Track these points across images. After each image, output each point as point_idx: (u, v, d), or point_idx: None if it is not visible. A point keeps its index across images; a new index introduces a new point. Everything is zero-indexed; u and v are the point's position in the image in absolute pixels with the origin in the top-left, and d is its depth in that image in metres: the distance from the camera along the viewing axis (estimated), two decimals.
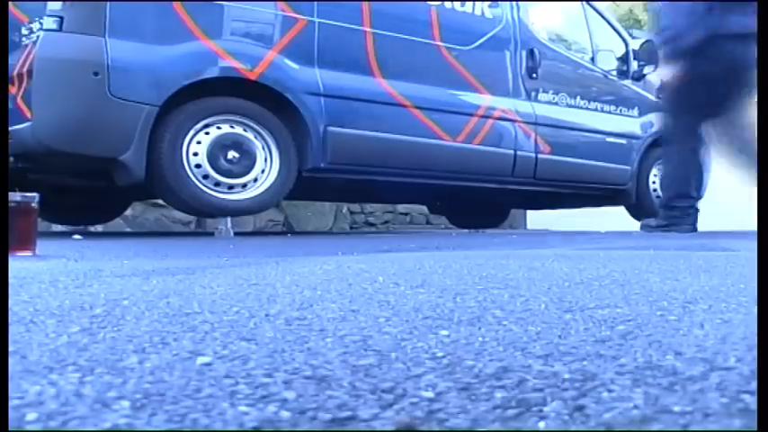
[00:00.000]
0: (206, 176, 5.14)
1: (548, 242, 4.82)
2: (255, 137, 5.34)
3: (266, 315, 1.37)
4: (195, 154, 5.10)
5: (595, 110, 7.44)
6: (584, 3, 7.63)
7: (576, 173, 7.25)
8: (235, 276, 2.08)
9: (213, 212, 5.44)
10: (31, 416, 0.73)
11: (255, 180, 5.35)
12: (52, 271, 2.27)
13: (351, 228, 10.81)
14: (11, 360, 0.98)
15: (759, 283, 1.57)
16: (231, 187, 5.26)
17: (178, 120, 5.03)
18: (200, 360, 0.98)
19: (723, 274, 2.14)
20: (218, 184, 5.19)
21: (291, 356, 1.01)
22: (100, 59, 4.73)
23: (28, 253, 3.10)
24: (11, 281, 1.94)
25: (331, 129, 5.61)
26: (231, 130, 5.26)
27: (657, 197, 7.83)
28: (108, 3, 4.80)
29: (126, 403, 0.78)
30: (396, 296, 1.63)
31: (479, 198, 7.79)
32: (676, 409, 0.76)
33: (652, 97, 7.86)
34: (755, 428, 0.72)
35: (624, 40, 7.79)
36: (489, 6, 6.67)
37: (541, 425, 0.72)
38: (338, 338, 1.14)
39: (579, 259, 2.75)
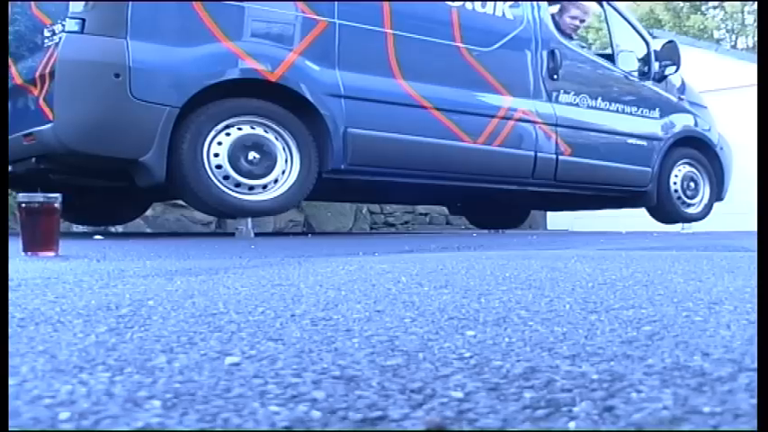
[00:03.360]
0: (227, 177, 5.13)
1: (569, 243, 4.81)
2: (276, 138, 5.33)
3: (292, 315, 1.37)
4: (216, 155, 5.10)
5: (616, 111, 7.36)
6: (604, 3, 7.56)
7: (596, 174, 7.17)
8: (258, 277, 2.09)
9: (234, 213, 5.39)
10: (63, 414, 0.74)
11: (276, 181, 5.34)
12: (76, 271, 2.29)
13: (371, 228, 10.82)
14: (41, 359, 0.99)
15: (759, 283, 1.56)
16: (252, 188, 5.24)
17: (199, 121, 5.02)
18: (229, 360, 0.99)
19: (747, 274, 2.13)
20: (238, 184, 5.18)
21: (319, 356, 1.02)
22: (121, 61, 4.73)
23: (50, 253, 3.11)
24: (36, 281, 1.95)
25: (351, 130, 5.58)
26: (252, 132, 5.25)
27: (678, 198, 7.84)
28: (129, 4, 4.81)
29: (157, 402, 0.78)
30: (420, 296, 1.63)
31: (499, 199, 7.74)
32: (706, 409, 0.76)
33: (673, 98, 7.80)
34: (755, 428, 0.72)
35: (645, 41, 7.68)
36: (510, 7, 6.63)
37: (572, 425, 0.72)
38: (365, 339, 1.14)
39: (601, 260, 2.74)
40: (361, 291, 1.74)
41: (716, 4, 26.81)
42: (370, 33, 5.80)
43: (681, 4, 26.22)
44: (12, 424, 0.71)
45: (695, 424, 0.72)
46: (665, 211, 7.85)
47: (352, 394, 0.82)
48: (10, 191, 6.51)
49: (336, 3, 5.64)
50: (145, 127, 4.80)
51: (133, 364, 0.96)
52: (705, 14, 26.74)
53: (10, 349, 1.05)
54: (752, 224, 6.94)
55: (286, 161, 5.37)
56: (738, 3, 25.53)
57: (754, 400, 0.79)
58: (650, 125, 7.58)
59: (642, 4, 25.98)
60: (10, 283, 1.85)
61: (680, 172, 7.90)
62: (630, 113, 7.46)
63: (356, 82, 5.65)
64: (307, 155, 5.43)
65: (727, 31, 27.53)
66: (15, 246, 3.14)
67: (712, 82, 12.17)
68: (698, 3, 26.51)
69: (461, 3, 6.32)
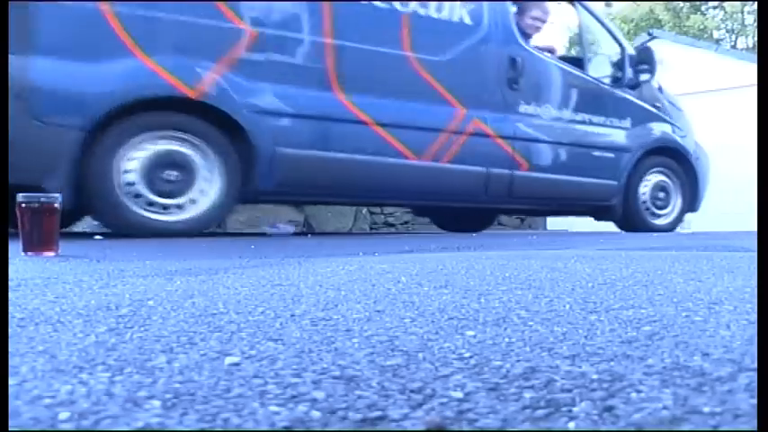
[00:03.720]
0: (139, 196, 4.77)
1: (568, 243, 4.80)
2: (197, 155, 4.98)
3: (292, 315, 1.37)
4: (128, 173, 4.75)
5: (582, 122, 6.92)
6: (577, 4, 7.18)
7: (556, 190, 6.80)
8: (258, 277, 2.09)
9: (146, 234, 4.81)
10: (63, 415, 0.74)
11: (194, 201, 4.99)
12: (76, 271, 2.29)
13: (371, 228, 10.81)
14: (41, 359, 0.99)
15: (759, 283, 1.56)
16: (167, 208, 4.89)
17: (110, 138, 4.65)
18: (229, 360, 0.99)
19: (747, 274, 2.12)
20: (152, 204, 4.82)
21: (319, 357, 1.02)
22: (22, 81, 4.33)
23: (51, 253, 3.11)
24: (36, 281, 1.95)
25: (280, 149, 5.22)
26: (170, 148, 4.90)
27: (647, 209, 7.47)
28: (33, 16, 4.39)
29: (157, 402, 0.78)
30: (420, 297, 1.63)
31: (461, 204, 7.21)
32: (706, 409, 0.76)
33: (648, 106, 7.38)
34: (755, 428, 0.72)
35: (621, 45, 7.27)
36: (469, 13, 6.20)
37: (571, 425, 0.72)
38: (365, 339, 1.14)
39: (601, 260, 2.74)
40: (361, 291, 1.74)
41: (716, 4, 26.84)
42: (307, 44, 5.46)
43: (681, 4, 26.25)
44: (12, 424, 0.71)
45: (695, 424, 0.72)
46: (632, 222, 7.43)
47: (352, 394, 0.82)
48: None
49: (269, 11, 5.31)
50: (47, 151, 4.44)
51: (133, 364, 0.96)
52: (705, 14, 26.78)
53: (10, 349, 1.05)
54: (751, 224, 6.96)
55: (207, 180, 5.04)
56: (738, 3, 25.57)
57: (754, 400, 0.79)
58: (619, 136, 7.20)
59: (642, 3, 26.01)
60: (10, 283, 1.85)
61: (650, 182, 7.48)
62: (598, 124, 7.07)
63: (288, 97, 5.32)
64: (230, 174, 5.12)
65: (727, 31, 27.57)
66: (15, 246, 3.14)
67: (712, 82, 12.18)
68: (698, 3, 26.54)
69: (413, 9, 5.90)
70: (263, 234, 5.85)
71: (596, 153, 6.99)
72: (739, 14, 26.69)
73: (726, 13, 26.92)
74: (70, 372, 0.92)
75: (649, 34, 14.51)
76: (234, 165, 5.10)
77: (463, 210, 7.86)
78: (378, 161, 5.64)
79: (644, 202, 7.47)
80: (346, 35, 5.58)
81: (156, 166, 4.84)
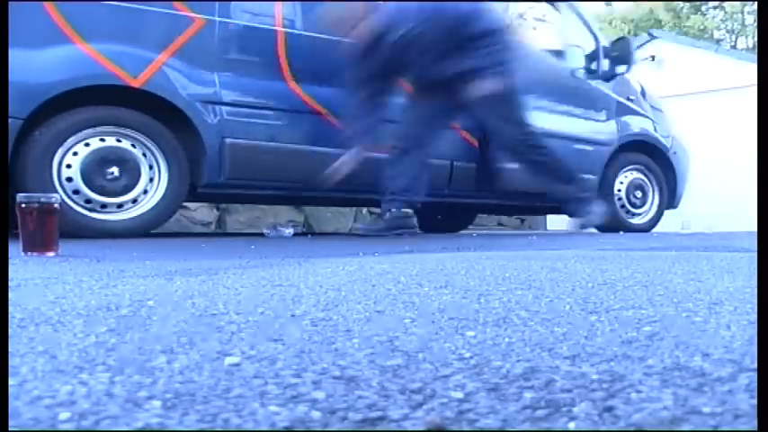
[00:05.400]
0: (84, 198, 4.63)
1: (568, 243, 4.80)
2: (140, 150, 4.83)
3: (292, 316, 1.37)
4: (69, 178, 4.58)
5: (552, 111, 6.58)
6: None
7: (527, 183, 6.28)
8: (258, 277, 2.09)
9: (88, 234, 4.60)
10: (63, 415, 0.74)
11: (135, 200, 4.83)
12: (76, 271, 2.29)
13: None
14: (41, 360, 0.99)
15: (759, 283, 1.56)
16: (107, 206, 4.72)
17: (48, 133, 4.50)
18: (229, 360, 0.99)
19: (747, 275, 2.12)
20: (93, 203, 4.66)
21: (319, 357, 1.02)
22: None
23: (51, 253, 3.11)
24: (36, 281, 1.95)
25: (229, 140, 5.07)
26: (112, 144, 4.73)
27: (622, 206, 7.28)
28: None
29: (157, 403, 0.78)
30: (420, 297, 1.63)
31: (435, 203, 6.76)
32: (706, 410, 0.76)
33: (623, 100, 7.19)
34: (755, 429, 0.72)
35: (594, 36, 6.88)
36: None
37: (571, 425, 0.72)
38: (365, 339, 1.14)
39: (601, 260, 2.74)
40: (361, 291, 1.74)
41: (716, 4, 26.87)
42: (258, 32, 5.30)
43: (681, 4, 26.27)
44: (12, 424, 0.71)
45: (695, 424, 0.72)
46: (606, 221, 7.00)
47: (352, 394, 0.82)
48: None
49: (217, 1, 5.11)
50: None
51: (133, 365, 0.96)
52: (705, 14, 26.80)
53: (10, 349, 1.05)
54: (751, 224, 6.94)
55: (151, 177, 4.89)
56: (738, 3, 25.59)
57: (754, 401, 0.79)
58: (592, 127, 6.93)
59: (642, 4, 26.03)
60: (10, 283, 1.86)
61: (626, 179, 7.29)
62: (570, 114, 6.78)
63: (238, 86, 5.18)
64: (176, 168, 4.96)
65: (727, 32, 27.60)
66: (15, 246, 3.14)
67: (712, 82, 12.19)
68: (698, 3, 26.56)
69: None
70: (263, 235, 5.82)
71: (570, 145, 6.62)
72: (739, 14, 26.71)
73: (726, 13, 26.93)
74: (70, 372, 0.92)
75: (649, 34, 14.51)
76: (180, 159, 4.97)
77: (438, 209, 7.61)
78: (335, 152, 5.40)
79: (620, 199, 7.28)
80: (299, 23, 5.46)
81: (97, 164, 4.66)
